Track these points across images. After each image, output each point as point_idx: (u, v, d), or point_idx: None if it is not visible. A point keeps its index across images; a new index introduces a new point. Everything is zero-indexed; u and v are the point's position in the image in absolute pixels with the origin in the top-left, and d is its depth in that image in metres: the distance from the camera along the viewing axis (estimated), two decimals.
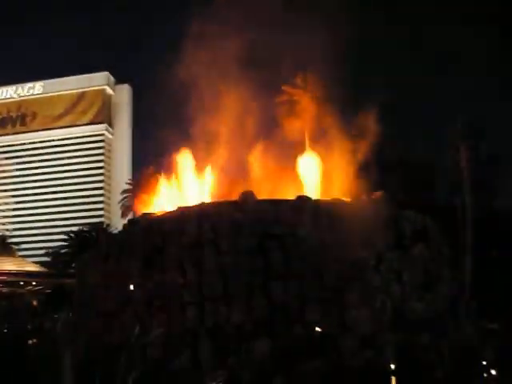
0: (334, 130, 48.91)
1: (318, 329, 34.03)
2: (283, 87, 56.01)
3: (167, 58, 52.99)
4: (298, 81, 53.62)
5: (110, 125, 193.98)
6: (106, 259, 42.83)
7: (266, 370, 31.78)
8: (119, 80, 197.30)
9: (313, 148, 49.79)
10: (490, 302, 39.37)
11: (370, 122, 48.75)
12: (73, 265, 62.80)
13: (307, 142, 50.85)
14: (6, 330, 42.52)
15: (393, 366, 26.96)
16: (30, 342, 36.32)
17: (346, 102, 49.21)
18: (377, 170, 52.66)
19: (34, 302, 70.49)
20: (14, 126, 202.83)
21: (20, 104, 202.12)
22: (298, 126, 50.46)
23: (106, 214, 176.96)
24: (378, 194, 43.98)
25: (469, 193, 52.21)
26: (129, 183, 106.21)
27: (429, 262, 38.78)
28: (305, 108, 51.17)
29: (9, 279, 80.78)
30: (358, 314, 34.11)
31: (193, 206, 42.32)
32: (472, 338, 35.71)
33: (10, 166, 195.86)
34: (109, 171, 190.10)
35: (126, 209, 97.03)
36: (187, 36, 49.99)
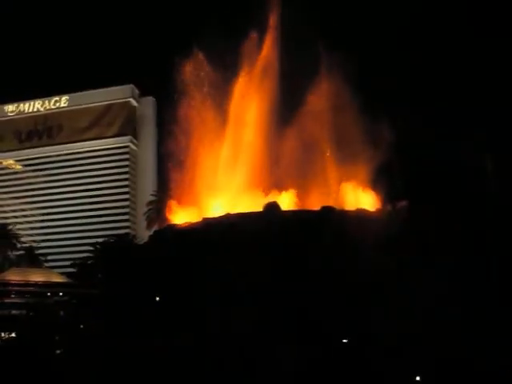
0: (356, 138, 49.01)
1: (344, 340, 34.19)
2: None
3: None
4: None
5: (135, 137, 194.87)
6: (133, 271, 43.22)
7: None
8: (144, 93, 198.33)
9: (335, 156, 49.80)
10: None
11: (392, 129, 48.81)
12: (99, 276, 63.20)
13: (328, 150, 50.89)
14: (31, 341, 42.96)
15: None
16: (58, 351, 36.73)
17: (365, 109, 49.22)
18: (400, 178, 52.56)
19: (61, 313, 71.02)
20: (40, 138, 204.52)
21: (46, 117, 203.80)
22: (320, 132, 50.56)
23: (132, 225, 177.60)
24: (403, 203, 43.94)
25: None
26: (153, 195, 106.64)
27: (454, 271, 38.49)
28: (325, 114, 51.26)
29: (36, 290, 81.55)
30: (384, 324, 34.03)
31: (218, 217, 42.59)
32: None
33: (37, 179, 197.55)
34: (134, 183, 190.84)
35: (151, 220, 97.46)
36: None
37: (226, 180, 49.53)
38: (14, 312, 75.28)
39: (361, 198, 48.00)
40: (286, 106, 50.51)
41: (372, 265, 36.07)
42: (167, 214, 51.82)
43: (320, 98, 52.19)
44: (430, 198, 47.44)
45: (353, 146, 48.93)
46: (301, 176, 48.60)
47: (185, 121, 51.99)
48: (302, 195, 47.33)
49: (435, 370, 31.13)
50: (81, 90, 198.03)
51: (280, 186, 47.84)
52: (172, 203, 51.01)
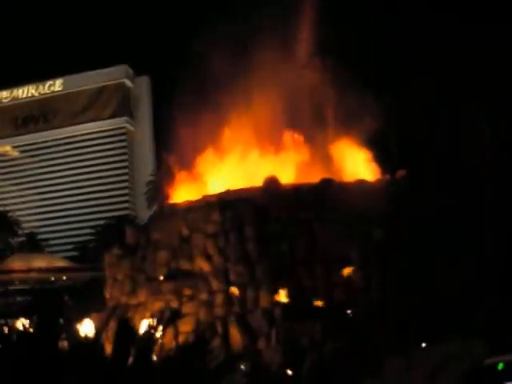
0: (354, 111, 48.77)
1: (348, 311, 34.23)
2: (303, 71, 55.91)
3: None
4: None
5: (131, 117, 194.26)
6: (133, 252, 43.20)
7: (295, 352, 32.01)
8: (138, 72, 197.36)
9: (333, 130, 49.56)
10: None
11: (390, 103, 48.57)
12: (101, 258, 63.35)
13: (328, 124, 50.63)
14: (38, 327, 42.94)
15: None
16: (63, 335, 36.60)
17: (364, 82, 48.97)
18: (398, 148, 52.43)
19: (66, 298, 71.21)
20: (36, 124, 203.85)
21: (41, 102, 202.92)
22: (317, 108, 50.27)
23: (132, 206, 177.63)
24: (401, 172, 43.78)
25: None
26: (152, 174, 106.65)
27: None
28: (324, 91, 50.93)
29: (39, 276, 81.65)
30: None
31: (217, 194, 42.44)
32: None
33: (35, 164, 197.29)
34: (132, 163, 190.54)
35: (152, 200, 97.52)
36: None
37: (226, 154, 49.32)
38: (18, 299, 75.50)
39: (359, 168, 47.88)
40: (281, 80, 50.22)
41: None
42: (167, 193, 51.75)
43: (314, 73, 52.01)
44: (427, 167, 47.44)
45: (349, 116, 48.80)
46: (301, 147, 48.49)
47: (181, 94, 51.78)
48: (302, 168, 47.13)
49: None
50: (75, 73, 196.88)
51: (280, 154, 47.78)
52: (172, 181, 50.89)
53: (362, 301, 34.63)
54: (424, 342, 29.21)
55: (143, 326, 28.90)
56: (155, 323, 30.48)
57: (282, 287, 35.51)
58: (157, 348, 16.50)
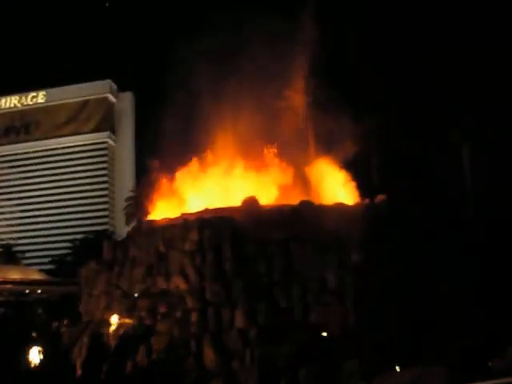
0: (335, 134, 49.08)
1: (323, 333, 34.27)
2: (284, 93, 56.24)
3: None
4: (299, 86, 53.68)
5: (113, 132, 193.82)
6: (110, 267, 43.02)
7: (270, 375, 31.94)
8: (122, 88, 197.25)
9: (314, 152, 49.85)
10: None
11: (371, 125, 48.97)
12: (78, 272, 62.87)
13: (309, 146, 50.92)
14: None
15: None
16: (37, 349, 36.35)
17: (345, 105, 49.30)
18: (378, 172, 52.82)
19: (40, 311, 70.52)
20: (17, 134, 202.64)
21: (23, 113, 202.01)
22: (299, 130, 50.52)
23: (111, 221, 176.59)
24: (380, 197, 44.08)
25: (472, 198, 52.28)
26: (132, 190, 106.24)
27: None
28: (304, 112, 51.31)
29: (14, 288, 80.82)
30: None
31: (195, 213, 42.47)
32: None
33: (15, 175, 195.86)
34: (112, 178, 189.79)
35: (130, 216, 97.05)
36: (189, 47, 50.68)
37: (206, 173, 49.39)
38: None
39: (339, 192, 48.13)
40: (266, 101, 50.43)
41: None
42: (146, 210, 51.66)
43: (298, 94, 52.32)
44: (407, 192, 47.83)
45: (331, 140, 49.11)
46: (282, 168, 48.66)
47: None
48: (282, 189, 47.28)
49: None
50: (58, 85, 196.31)
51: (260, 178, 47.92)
52: (152, 198, 50.80)
53: (338, 323, 34.68)
54: (398, 364, 29.29)
55: (116, 342, 28.82)
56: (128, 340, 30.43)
57: (258, 308, 35.47)
58: (129, 364, 16.49)
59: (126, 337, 31.17)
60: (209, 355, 33.77)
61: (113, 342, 28.65)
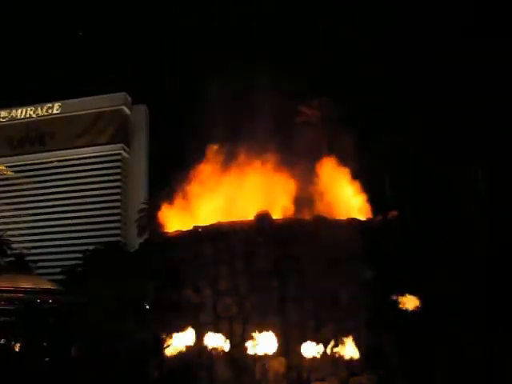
0: (349, 149, 49.13)
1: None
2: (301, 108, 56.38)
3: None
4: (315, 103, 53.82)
5: (127, 145, 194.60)
6: (122, 279, 43.02)
7: None
8: (136, 100, 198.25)
9: (328, 167, 49.83)
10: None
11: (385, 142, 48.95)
12: (89, 283, 62.83)
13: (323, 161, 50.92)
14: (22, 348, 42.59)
15: None
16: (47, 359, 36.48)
17: (359, 121, 49.39)
18: (391, 188, 52.71)
19: (51, 320, 70.66)
20: (32, 145, 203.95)
21: (39, 124, 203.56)
22: (313, 144, 50.58)
23: (123, 232, 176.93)
24: (393, 213, 43.95)
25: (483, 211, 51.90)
26: (145, 203, 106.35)
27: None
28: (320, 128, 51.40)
29: (26, 297, 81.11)
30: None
31: (208, 226, 42.48)
32: None
33: (29, 185, 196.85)
34: (125, 190, 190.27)
35: (143, 228, 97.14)
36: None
37: (219, 185, 49.42)
38: (2, 319, 74.82)
39: (352, 207, 48.09)
40: (278, 116, 50.58)
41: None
42: (159, 222, 51.69)
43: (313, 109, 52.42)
44: (420, 208, 47.61)
45: (345, 155, 49.16)
46: (295, 182, 48.62)
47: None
48: (295, 203, 47.27)
49: None
50: (74, 97, 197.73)
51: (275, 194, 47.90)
52: (164, 210, 50.87)
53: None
54: None
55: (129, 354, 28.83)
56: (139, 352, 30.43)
57: (271, 322, 35.40)
58: (141, 377, 16.53)
59: (137, 349, 31.18)
60: (220, 369, 33.73)
61: (125, 354, 28.69)
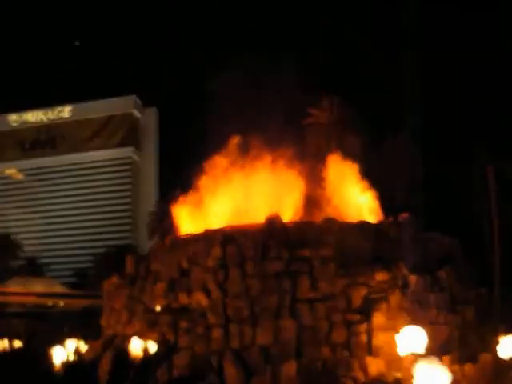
0: (360, 151, 49.01)
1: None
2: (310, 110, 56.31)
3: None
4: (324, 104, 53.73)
5: (138, 148, 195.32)
6: (132, 282, 43.08)
7: None
8: (146, 103, 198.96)
9: (337, 169, 49.66)
10: None
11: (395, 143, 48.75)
12: (100, 286, 63.16)
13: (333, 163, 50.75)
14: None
15: None
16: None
17: (371, 122, 49.28)
18: (403, 190, 52.51)
19: (62, 323, 70.83)
20: (43, 148, 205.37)
21: (49, 127, 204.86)
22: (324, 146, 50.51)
23: (133, 235, 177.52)
24: (405, 215, 43.68)
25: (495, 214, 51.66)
26: (155, 205, 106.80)
27: (455, 286, 38.33)
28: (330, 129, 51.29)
29: (37, 300, 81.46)
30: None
31: (219, 229, 42.39)
32: None
33: (40, 188, 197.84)
34: (136, 193, 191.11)
35: (153, 231, 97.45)
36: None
37: (230, 188, 49.28)
38: (14, 321, 75.17)
39: (362, 209, 47.92)
40: (288, 117, 50.55)
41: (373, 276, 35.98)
42: (169, 225, 51.70)
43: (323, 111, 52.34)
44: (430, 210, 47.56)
45: (356, 157, 49.04)
46: (305, 185, 48.48)
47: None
48: (305, 206, 47.17)
49: None
50: (84, 101, 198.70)
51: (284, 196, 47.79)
52: (175, 213, 50.84)
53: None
54: None
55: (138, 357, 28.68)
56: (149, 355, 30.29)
57: (281, 325, 35.25)
58: (150, 380, 16.40)
59: (147, 352, 31.04)
60: (230, 372, 33.58)
61: (134, 358, 28.54)
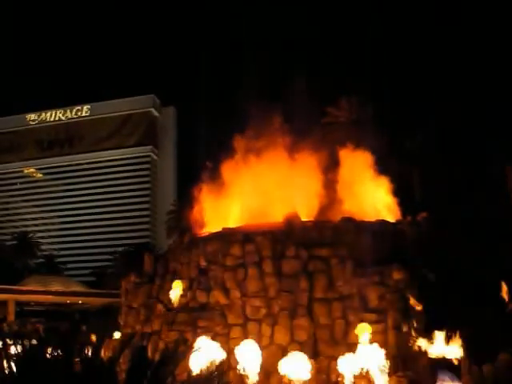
0: (378, 150, 48.84)
1: None
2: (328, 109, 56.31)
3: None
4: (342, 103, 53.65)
5: (156, 146, 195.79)
6: (150, 280, 43.23)
7: None
8: (165, 102, 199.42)
9: (356, 168, 49.50)
10: None
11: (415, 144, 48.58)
12: (118, 285, 63.51)
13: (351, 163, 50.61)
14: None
15: None
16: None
17: (389, 122, 49.14)
18: (420, 188, 52.31)
19: (80, 322, 71.21)
20: (61, 147, 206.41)
21: (68, 126, 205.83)
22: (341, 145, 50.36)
23: (152, 234, 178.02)
24: (423, 214, 43.53)
25: None
26: (174, 204, 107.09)
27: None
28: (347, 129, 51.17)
29: (55, 298, 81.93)
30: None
31: (237, 227, 42.47)
32: None
33: (58, 187, 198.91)
34: (154, 192, 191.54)
35: (172, 229, 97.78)
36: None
37: (248, 187, 49.28)
38: (33, 320, 75.69)
39: (380, 208, 47.76)
40: (305, 117, 50.48)
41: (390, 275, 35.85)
42: (188, 223, 51.82)
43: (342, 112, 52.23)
44: (450, 211, 47.31)
45: (374, 156, 48.92)
46: (323, 184, 48.41)
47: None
48: (323, 205, 47.10)
49: None
50: (102, 100, 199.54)
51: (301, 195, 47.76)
52: (193, 212, 50.97)
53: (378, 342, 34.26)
54: None
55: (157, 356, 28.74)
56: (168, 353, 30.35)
57: (299, 324, 35.29)
58: (169, 378, 16.38)
59: (166, 351, 31.12)
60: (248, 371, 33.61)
61: (153, 356, 28.60)
